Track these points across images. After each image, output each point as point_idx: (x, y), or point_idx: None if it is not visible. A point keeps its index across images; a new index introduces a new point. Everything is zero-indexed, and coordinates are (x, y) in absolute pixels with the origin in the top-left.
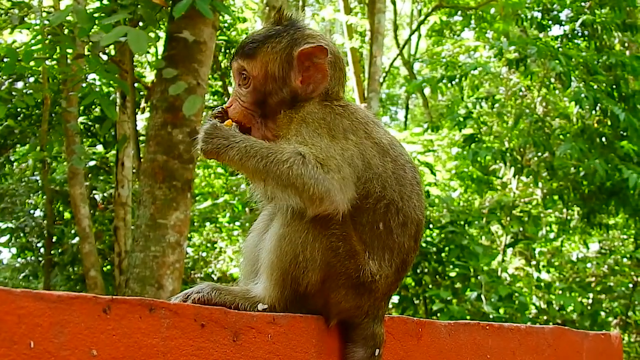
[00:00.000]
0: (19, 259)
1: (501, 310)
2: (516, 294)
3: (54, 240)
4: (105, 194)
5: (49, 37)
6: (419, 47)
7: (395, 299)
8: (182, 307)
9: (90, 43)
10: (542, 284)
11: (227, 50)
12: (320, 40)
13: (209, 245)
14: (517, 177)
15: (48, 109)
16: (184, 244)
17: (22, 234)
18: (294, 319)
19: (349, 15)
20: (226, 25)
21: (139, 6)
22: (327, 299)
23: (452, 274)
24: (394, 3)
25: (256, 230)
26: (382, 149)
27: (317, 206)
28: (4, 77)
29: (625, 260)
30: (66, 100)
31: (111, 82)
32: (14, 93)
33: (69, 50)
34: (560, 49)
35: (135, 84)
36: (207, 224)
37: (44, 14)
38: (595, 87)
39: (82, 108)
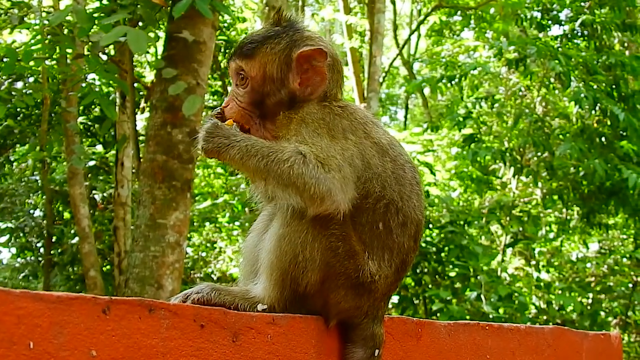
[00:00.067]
0: (19, 259)
1: (501, 310)
2: (516, 294)
3: (53, 240)
4: (104, 194)
5: (49, 37)
6: (419, 47)
7: (394, 298)
8: (182, 308)
9: (90, 43)
10: (542, 283)
11: (227, 50)
12: (319, 42)
13: (208, 245)
14: (516, 177)
15: (48, 109)
16: (183, 244)
17: (21, 234)
18: (294, 319)
19: (348, 15)
20: (226, 25)
21: (138, 6)
22: (326, 299)
23: (452, 274)
24: (393, 3)
25: (256, 231)
26: (382, 148)
27: (318, 206)
28: (4, 77)
29: (624, 260)
30: (66, 100)
31: (111, 82)
32: (13, 93)
33: (69, 50)
34: (559, 49)
35: (135, 84)
36: (207, 224)
37: (44, 14)
38: (594, 87)
39: (81, 108)
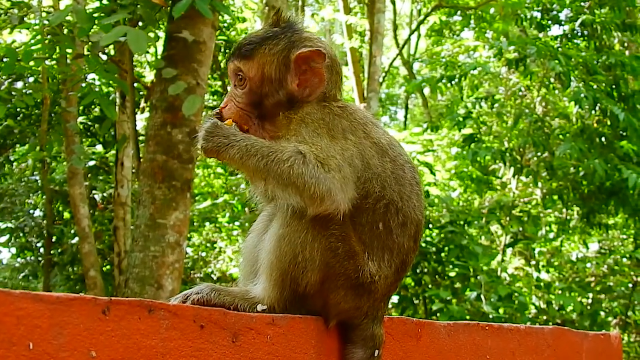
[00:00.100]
0: (19, 259)
1: (501, 310)
2: (516, 294)
3: (53, 240)
4: (104, 194)
5: (49, 37)
6: (419, 47)
7: (394, 298)
8: (181, 308)
9: (90, 43)
10: (542, 283)
11: (227, 50)
12: (318, 43)
13: (208, 245)
14: (516, 177)
15: (47, 109)
16: (183, 243)
17: (21, 234)
18: (293, 319)
19: (348, 15)
20: (226, 25)
21: (138, 6)
22: (326, 299)
23: (452, 274)
24: (393, 3)
25: (255, 231)
26: (381, 149)
27: (318, 205)
28: (4, 77)
29: (624, 260)
30: (66, 100)
31: (111, 82)
32: (13, 93)
33: (69, 50)
34: (559, 49)
35: (135, 84)
36: (207, 223)
37: (44, 14)
38: (594, 87)
39: (81, 108)
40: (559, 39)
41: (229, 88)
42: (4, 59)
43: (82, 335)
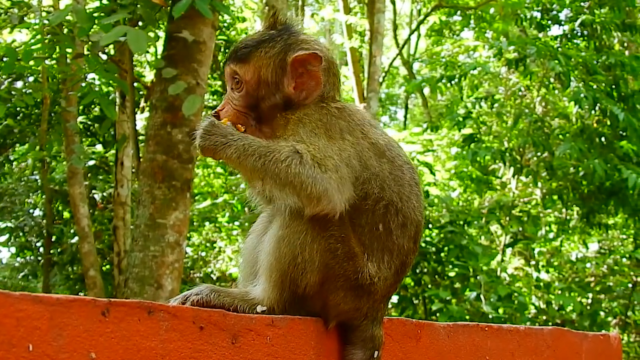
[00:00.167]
0: (18, 259)
1: (500, 310)
2: (515, 294)
3: (53, 239)
4: (104, 194)
5: (49, 36)
6: (419, 46)
7: (394, 299)
8: (181, 310)
9: (90, 42)
10: (542, 283)
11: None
12: (315, 46)
13: (208, 244)
14: (516, 177)
15: (47, 109)
16: (183, 243)
17: (21, 234)
18: (293, 321)
19: (348, 15)
20: (226, 25)
21: (138, 6)
22: (325, 300)
23: (452, 274)
24: (393, 3)
25: (255, 232)
26: (379, 150)
27: (315, 205)
28: (4, 76)
29: (624, 260)
30: (65, 99)
31: (110, 81)
32: (13, 92)
33: (69, 50)
34: (559, 49)
35: (135, 84)
36: (207, 223)
37: (44, 14)
38: (594, 87)
39: (81, 107)
40: (558, 39)
41: (228, 88)
42: (4, 59)
43: (82, 337)
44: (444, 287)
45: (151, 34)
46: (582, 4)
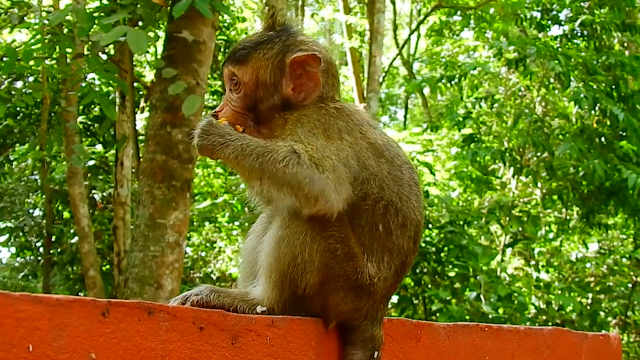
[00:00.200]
0: (18, 259)
1: (500, 310)
2: (515, 294)
3: (53, 239)
4: (104, 194)
5: (49, 36)
6: (419, 46)
7: (394, 299)
8: (181, 310)
9: (90, 42)
10: (541, 284)
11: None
12: (313, 47)
13: (208, 245)
14: (516, 177)
15: (47, 109)
16: (183, 243)
17: (21, 234)
18: (293, 321)
19: (348, 15)
20: (225, 25)
21: (138, 6)
22: (325, 301)
23: (451, 274)
24: (393, 3)
25: (255, 233)
26: (377, 150)
27: (312, 206)
28: (4, 76)
29: (624, 260)
30: (65, 99)
31: (110, 81)
32: (13, 92)
33: (69, 50)
34: (559, 49)
35: (135, 84)
36: (207, 223)
37: (44, 14)
38: (594, 87)
39: (81, 107)
40: (558, 39)
41: None
42: (4, 59)
43: (82, 337)
44: (443, 287)
45: (151, 34)
46: (582, 4)
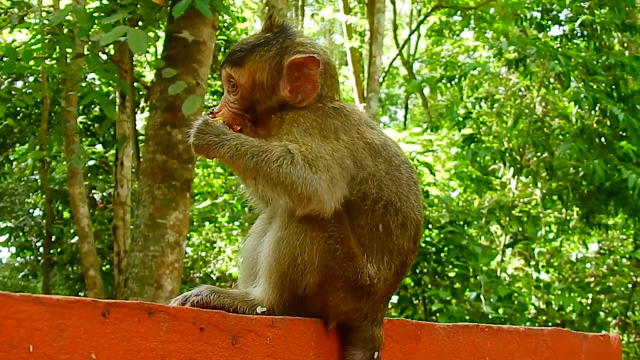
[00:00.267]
0: (18, 258)
1: (500, 311)
2: (515, 294)
3: (53, 239)
4: (104, 194)
5: (49, 36)
6: (419, 47)
7: (394, 299)
8: (181, 311)
9: (90, 42)
10: (541, 284)
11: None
12: (311, 49)
13: (208, 244)
14: (516, 177)
15: (47, 109)
16: (183, 243)
17: (21, 233)
18: (293, 322)
19: (348, 15)
20: (226, 25)
21: (138, 6)
22: (325, 301)
23: (451, 274)
24: (393, 3)
25: (254, 234)
26: (375, 150)
27: (305, 206)
28: (4, 76)
29: (624, 260)
30: (65, 99)
31: (110, 81)
32: (13, 92)
33: (69, 50)
34: (559, 49)
35: (135, 84)
36: (207, 223)
37: (44, 14)
38: (594, 87)
39: (81, 107)
40: (558, 39)
41: None
42: (4, 59)
43: (82, 338)
44: (443, 288)
45: (151, 34)
46: (582, 4)
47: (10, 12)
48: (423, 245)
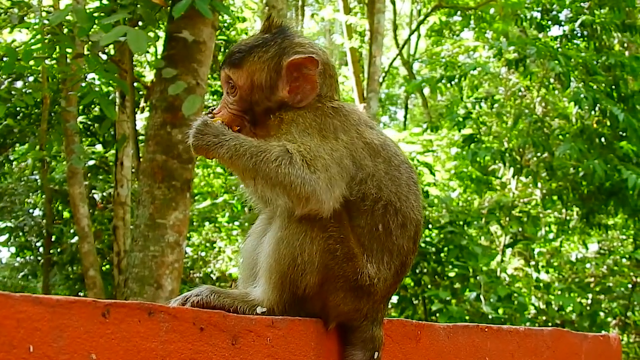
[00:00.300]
0: (18, 258)
1: (500, 311)
2: (515, 295)
3: (53, 239)
4: (104, 194)
5: (49, 36)
6: (419, 47)
7: (394, 299)
8: (181, 311)
9: (90, 42)
10: (541, 284)
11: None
12: (310, 49)
13: (208, 244)
14: (516, 177)
15: (47, 109)
16: (183, 243)
17: (21, 233)
18: (293, 322)
19: (348, 15)
20: (226, 25)
21: (138, 6)
22: (325, 301)
23: (451, 274)
24: (393, 3)
25: (254, 234)
26: (374, 150)
27: (304, 206)
28: (4, 76)
29: (624, 260)
30: (65, 99)
31: (110, 81)
32: (13, 92)
33: (69, 50)
34: (559, 49)
35: (135, 84)
36: (206, 223)
37: (44, 14)
38: (594, 87)
39: (81, 107)
40: (558, 40)
41: None
42: (4, 58)
43: (82, 338)
44: (443, 288)
45: (151, 34)
46: (582, 4)
47: (10, 12)
48: (423, 245)
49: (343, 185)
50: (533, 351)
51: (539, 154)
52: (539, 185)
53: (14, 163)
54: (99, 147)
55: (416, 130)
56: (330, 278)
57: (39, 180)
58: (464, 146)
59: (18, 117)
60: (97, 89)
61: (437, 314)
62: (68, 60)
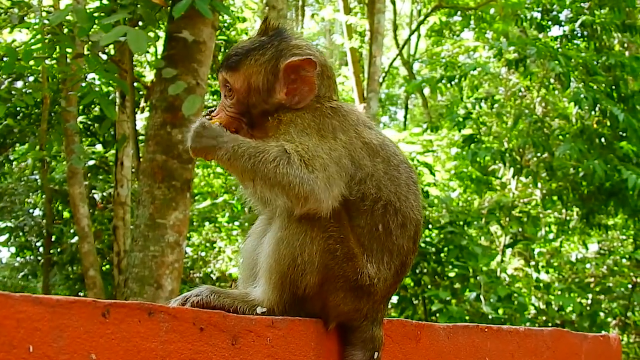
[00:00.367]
0: (18, 258)
1: (500, 311)
2: (515, 295)
3: (53, 239)
4: (104, 194)
5: (49, 36)
6: (419, 47)
7: (394, 299)
8: (181, 311)
9: (90, 42)
10: (541, 284)
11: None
12: (307, 51)
13: (208, 245)
14: (516, 177)
15: (47, 109)
16: (183, 243)
17: (21, 233)
18: (293, 322)
19: (348, 15)
20: (226, 25)
21: (138, 6)
22: (325, 301)
23: (451, 275)
24: (393, 3)
25: (254, 234)
26: (373, 149)
27: (303, 205)
28: (4, 76)
29: (624, 260)
30: (65, 99)
31: (110, 81)
32: (13, 92)
33: (69, 50)
34: (559, 50)
35: (135, 84)
36: (207, 223)
37: (44, 14)
38: (594, 87)
39: (81, 107)
40: (558, 40)
41: None
42: (4, 58)
43: (82, 338)
44: (443, 288)
45: (151, 34)
46: (582, 4)
47: (10, 12)
48: (423, 245)
49: (342, 184)
50: (533, 351)
51: (539, 154)
52: (539, 185)
53: (14, 163)
54: (99, 147)
55: (416, 131)
56: (330, 278)
57: (39, 180)
58: (464, 146)
59: (18, 117)
60: (97, 89)
61: (437, 314)
62: (68, 60)
